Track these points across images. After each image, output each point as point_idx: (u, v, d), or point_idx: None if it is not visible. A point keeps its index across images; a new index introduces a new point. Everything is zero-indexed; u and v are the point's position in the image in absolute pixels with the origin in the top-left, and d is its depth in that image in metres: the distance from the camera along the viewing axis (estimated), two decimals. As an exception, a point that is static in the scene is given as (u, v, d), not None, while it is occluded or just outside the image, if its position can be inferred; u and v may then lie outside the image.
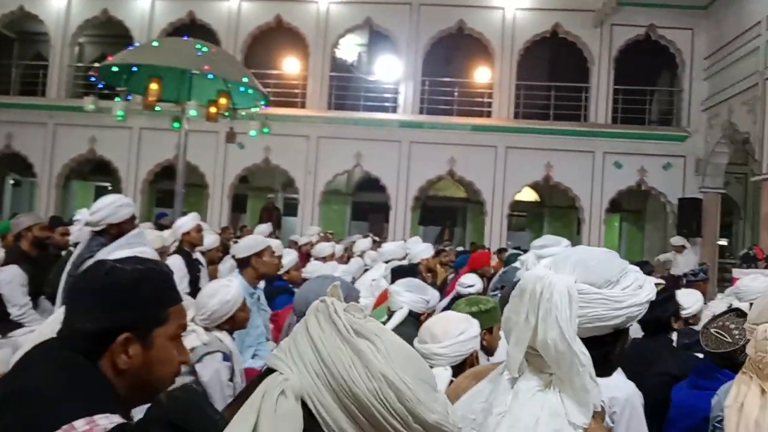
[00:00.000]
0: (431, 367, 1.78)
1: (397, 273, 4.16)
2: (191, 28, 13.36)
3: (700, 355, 2.49)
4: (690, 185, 13.19)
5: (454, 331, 1.89)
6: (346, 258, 7.34)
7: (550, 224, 16.47)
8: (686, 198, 12.99)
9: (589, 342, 0.98)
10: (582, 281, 1.00)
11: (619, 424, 1.87)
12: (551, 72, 14.07)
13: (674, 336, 3.14)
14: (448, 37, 13.98)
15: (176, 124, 8.13)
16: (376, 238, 10.88)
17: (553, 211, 16.48)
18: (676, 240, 10.90)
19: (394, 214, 13.73)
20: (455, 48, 14.32)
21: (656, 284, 3.06)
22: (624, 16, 13.18)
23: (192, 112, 7.82)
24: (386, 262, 5.43)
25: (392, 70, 14.12)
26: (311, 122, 13.64)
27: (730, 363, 2.19)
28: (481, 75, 14.32)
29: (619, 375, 1.97)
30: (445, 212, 17.31)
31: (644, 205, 15.34)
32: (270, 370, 0.72)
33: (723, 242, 14.56)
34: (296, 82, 14.17)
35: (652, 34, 13.41)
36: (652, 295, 1.07)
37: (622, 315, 1.01)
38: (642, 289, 1.05)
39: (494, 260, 7.92)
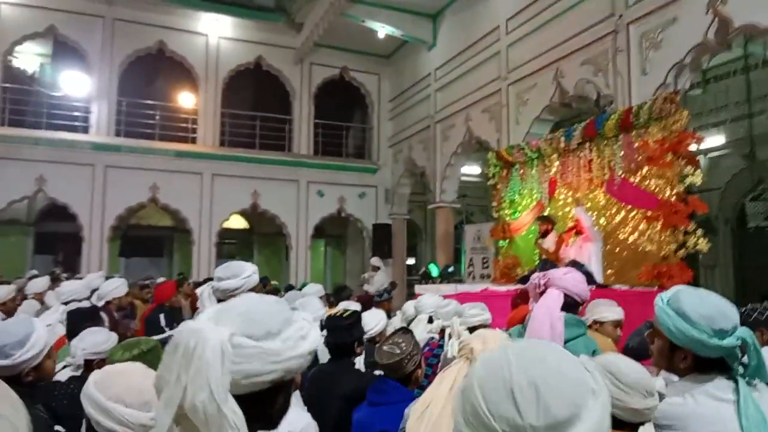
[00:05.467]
0: None
1: (75, 317, 3.56)
2: None
3: (380, 373, 2.71)
4: (381, 212, 14.75)
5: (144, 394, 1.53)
6: (19, 300, 6.28)
7: (260, 251, 16.67)
8: (379, 224, 14.50)
9: (247, 398, 0.93)
10: (242, 333, 0.94)
11: (300, 456, 1.92)
12: (256, 102, 14.34)
13: (360, 359, 3.34)
14: (148, 58, 13.23)
15: None
16: (64, 275, 9.61)
17: (262, 238, 16.72)
18: (373, 261, 12.03)
19: (88, 245, 12.32)
20: (156, 70, 13.61)
21: (344, 311, 3.26)
22: (321, 56, 14.22)
23: None
24: (66, 303, 4.78)
25: (82, 87, 12.73)
26: (-22, 140, 11.48)
27: (400, 374, 2.47)
28: (185, 100, 13.86)
29: (295, 408, 2.03)
30: (150, 242, 16.22)
31: (345, 231, 16.59)
32: None
33: (411, 261, 16.55)
34: (-44, 92, 11.80)
35: (346, 75, 14.76)
36: (314, 346, 1.04)
37: (279, 369, 0.97)
38: (305, 340, 1.01)
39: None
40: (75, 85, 12.84)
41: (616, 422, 1.56)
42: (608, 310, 3.38)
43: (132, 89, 12.97)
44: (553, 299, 2.70)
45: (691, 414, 1.61)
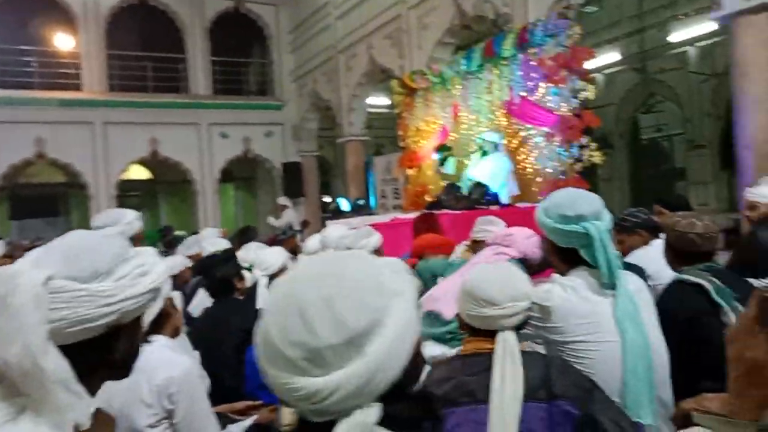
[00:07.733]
0: None
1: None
2: None
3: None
4: (290, 150, 14.37)
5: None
6: None
7: (167, 201, 16.00)
8: (288, 162, 14.15)
9: (82, 346, 0.82)
10: (63, 276, 0.82)
11: (179, 402, 1.78)
12: (145, 41, 13.27)
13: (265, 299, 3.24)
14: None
15: None
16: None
17: (166, 187, 15.98)
18: (280, 200, 11.80)
19: (-29, 210, 11.34)
20: (29, 11, 12.25)
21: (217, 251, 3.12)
22: (211, -13, 13.29)
23: None
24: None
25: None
26: None
27: None
28: (64, 42, 12.66)
29: (176, 352, 1.87)
30: (43, 200, 15.19)
31: (254, 172, 16.09)
32: None
33: (327, 198, 16.37)
34: None
35: (240, 7, 13.91)
36: (158, 282, 0.93)
37: (114, 312, 0.85)
38: (145, 276, 0.91)
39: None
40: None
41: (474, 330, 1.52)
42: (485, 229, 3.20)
43: (3, 34, 11.65)
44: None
45: (572, 311, 1.65)
